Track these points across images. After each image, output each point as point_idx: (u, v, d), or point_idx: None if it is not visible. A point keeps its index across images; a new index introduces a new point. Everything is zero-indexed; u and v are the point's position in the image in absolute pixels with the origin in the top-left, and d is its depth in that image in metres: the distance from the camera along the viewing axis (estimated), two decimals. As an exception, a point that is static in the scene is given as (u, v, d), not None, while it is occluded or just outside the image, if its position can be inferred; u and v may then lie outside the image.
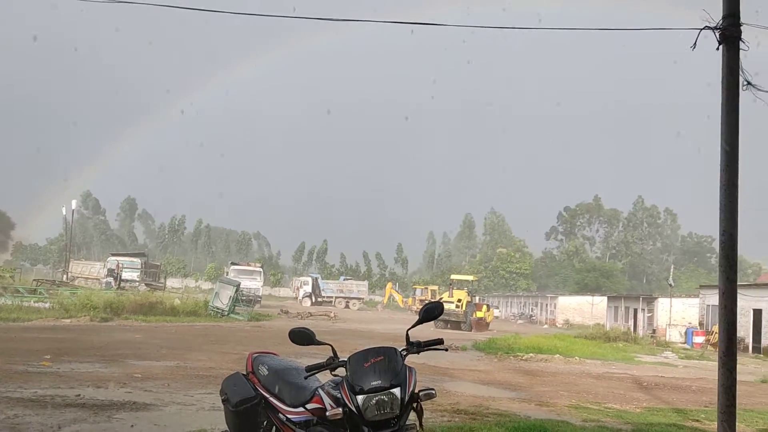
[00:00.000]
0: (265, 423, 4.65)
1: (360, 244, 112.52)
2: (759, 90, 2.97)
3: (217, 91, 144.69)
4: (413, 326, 4.23)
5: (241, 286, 36.55)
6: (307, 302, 65.17)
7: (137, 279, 52.89)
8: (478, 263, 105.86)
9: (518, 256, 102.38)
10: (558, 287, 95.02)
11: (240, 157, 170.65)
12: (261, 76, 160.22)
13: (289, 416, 4.29)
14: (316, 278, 72.17)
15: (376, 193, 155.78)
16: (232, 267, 57.47)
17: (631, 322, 49.96)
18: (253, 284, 50.53)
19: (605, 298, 61.92)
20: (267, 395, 4.55)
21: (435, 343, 4.24)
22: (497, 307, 77.78)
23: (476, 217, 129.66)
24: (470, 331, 39.97)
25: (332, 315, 43.77)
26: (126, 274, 51.68)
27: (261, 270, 59.26)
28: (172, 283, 73.08)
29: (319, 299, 66.94)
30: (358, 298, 68.92)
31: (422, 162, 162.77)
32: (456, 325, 40.68)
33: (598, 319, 58.56)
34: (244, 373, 4.86)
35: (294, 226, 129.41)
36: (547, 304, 73.42)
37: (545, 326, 61.81)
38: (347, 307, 65.54)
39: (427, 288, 70.77)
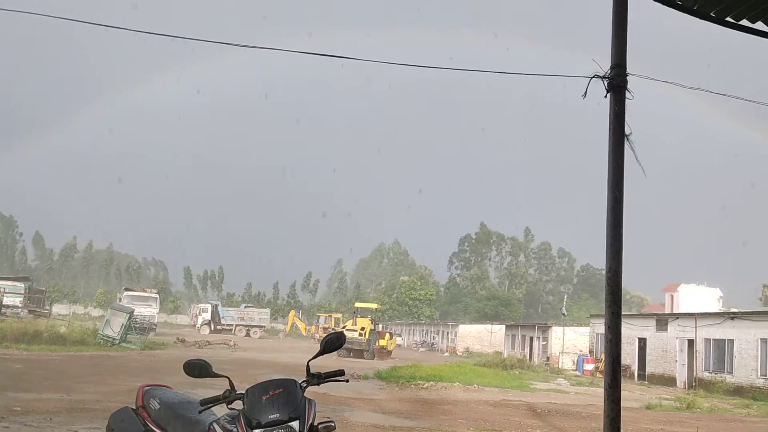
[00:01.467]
0: (154, 461, 4.41)
1: (272, 273, 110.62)
2: (632, 147, 3.27)
3: (108, 112, 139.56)
4: (314, 357, 4.18)
5: (134, 313, 34.91)
6: (206, 330, 63.25)
7: (20, 305, 49.38)
8: (383, 291, 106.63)
9: (421, 283, 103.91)
10: (460, 315, 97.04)
11: (143, 182, 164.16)
12: (154, 98, 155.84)
13: (180, 453, 4.10)
14: (216, 305, 70.30)
15: (289, 219, 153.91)
16: (126, 293, 54.94)
17: (527, 350, 51.65)
18: (148, 311, 48.52)
19: (503, 327, 63.76)
20: (158, 431, 4.33)
21: (336, 375, 4.20)
22: (400, 335, 78.31)
23: (388, 246, 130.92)
24: (373, 359, 39.99)
25: (232, 344, 42.56)
26: (7, 300, 48.16)
27: (157, 296, 56.97)
28: (58, 309, 68.75)
29: (219, 327, 65.23)
30: (260, 326, 67.67)
31: (339, 188, 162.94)
32: (359, 353, 40.57)
33: (497, 346, 60.16)
34: (134, 407, 4.60)
35: (201, 253, 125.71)
36: (448, 332, 74.70)
37: (446, 354, 62.77)
38: (248, 335, 64.22)
39: (331, 316, 70.32)
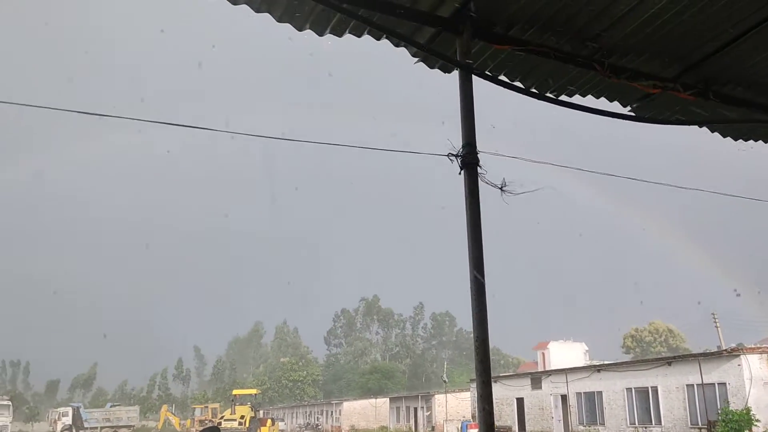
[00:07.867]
0: None
1: (142, 366, 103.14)
2: (510, 193, 3.48)
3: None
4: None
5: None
6: (67, 436, 57.61)
7: None
8: (263, 374, 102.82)
9: (302, 363, 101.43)
10: (343, 392, 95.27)
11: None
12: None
13: None
14: (78, 407, 64.35)
15: (148, 309, 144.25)
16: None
17: (412, 421, 51.38)
18: (-1, 421, 43.68)
19: (387, 400, 63.22)
20: None
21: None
22: (282, 420, 75.41)
23: (267, 326, 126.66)
24: (255, 449, 38.06)
25: (97, 449, 38.98)
26: None
27: (9, 403, 51.47)
28: None
29: (82, 431, 59.64)
30: (128, 426, 62.70)
31: (206, 269, 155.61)
32: (239, 444, 38.52)
33: (382, 421, 59.39)
34: None
35: (66, 354, 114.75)
36: (332, 411, 72.86)
37: (331, 434, 61.04)
38: (115, 437, 59.30)
39: (207, 406, 66.55)
